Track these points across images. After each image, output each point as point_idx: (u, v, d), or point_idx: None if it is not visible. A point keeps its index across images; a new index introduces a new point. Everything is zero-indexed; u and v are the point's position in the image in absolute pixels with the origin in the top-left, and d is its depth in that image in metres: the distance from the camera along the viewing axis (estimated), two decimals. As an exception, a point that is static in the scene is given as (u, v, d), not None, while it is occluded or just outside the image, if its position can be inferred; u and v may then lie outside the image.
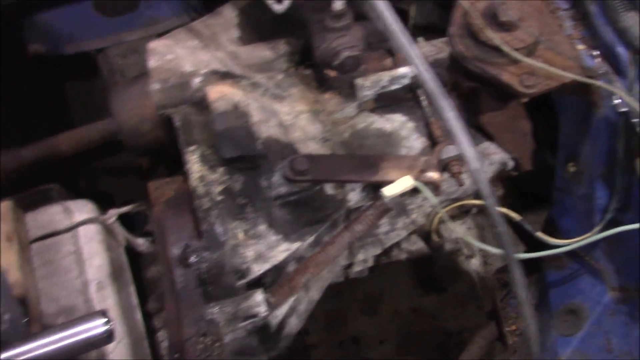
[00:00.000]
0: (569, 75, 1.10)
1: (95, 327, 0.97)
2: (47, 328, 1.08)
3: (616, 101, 1.05)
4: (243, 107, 1.19)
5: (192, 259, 1.09)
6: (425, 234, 1.56)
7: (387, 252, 2.20)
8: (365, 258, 1.46)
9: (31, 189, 1.79)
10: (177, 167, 1.64)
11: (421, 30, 1.73)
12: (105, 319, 0.99)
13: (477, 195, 1.47)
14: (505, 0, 1.17)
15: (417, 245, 2.24)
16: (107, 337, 0.98)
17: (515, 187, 1.80)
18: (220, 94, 1.20)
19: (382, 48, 1.39)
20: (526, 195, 1.77)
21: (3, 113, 1.84)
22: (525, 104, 1.36)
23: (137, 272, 2.07)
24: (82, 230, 1.76)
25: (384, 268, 2.26)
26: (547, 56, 1.16)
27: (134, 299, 1.84)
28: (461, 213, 1.68)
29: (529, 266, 1.55)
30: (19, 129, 1.86)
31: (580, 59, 1.18)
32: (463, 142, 0.79)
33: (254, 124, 1.19)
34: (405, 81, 1.32)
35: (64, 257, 1.73)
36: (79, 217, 1.77)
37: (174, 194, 1.65)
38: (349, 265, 1.50)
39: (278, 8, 1.06)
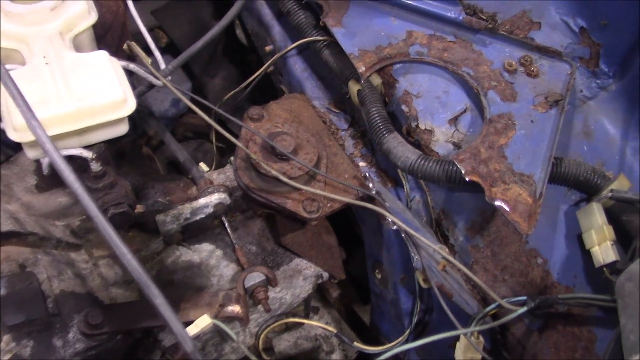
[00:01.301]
0: (343, 200, 1.15)
1: None
2: None
3: (390, 219, 1.11)
4: (30, 265, 1.16)
5: None
6: (258, 355, 1.54)
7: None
8: (195, 390, 1.42)
9: None
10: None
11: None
12: None
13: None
14: (283, 130, 1.23)
15: (279, 347, 2.23)
16: None
17: (352, 283, 1.85)
18: (6, 255, 1.16)
19: (187, 177, 1.42)
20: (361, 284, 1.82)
21: None
22: (330, 218, 1.41)
23: None
24: None
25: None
26: (327, 181, 1.21)
27: None
28: (293, 324, 1.70)
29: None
30: None
31: (360, 179, 1.24)
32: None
33: (44, 281, 1.15)
34: (208, 210, 1.33)
35: None
36: None
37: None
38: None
39: (46, 171, 1.05)
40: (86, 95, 0.91)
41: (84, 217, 1.32)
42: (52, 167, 1.04)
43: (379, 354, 1.20)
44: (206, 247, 1.35)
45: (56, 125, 0.91)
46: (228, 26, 1.27)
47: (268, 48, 1.45)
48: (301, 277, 1.39)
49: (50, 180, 1.25)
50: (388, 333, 1.41)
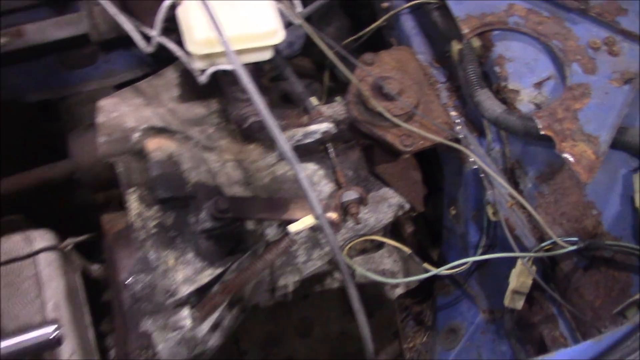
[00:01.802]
0: (435, 139, 1.38)
1: (46, 332, 1.20)
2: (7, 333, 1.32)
3: (471, 160, 1.34)
4: (176, 156, 1.45)
5: (129, 280, 1.33)
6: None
7: (321, 280, 2.47)
8: (285, 284, 1.70)
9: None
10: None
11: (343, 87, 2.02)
12: (56, 326, 1.21)
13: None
14: (390, 75, 1.46)
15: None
16: (57, 341, 1.21)
17: (426, 225, 2.08)
18: (158, 145, 1.45)
19: (300, 107, 1.67)
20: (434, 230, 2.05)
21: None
22: (418, 155, 1.64)
23: (95, 296, 2.30)
24: (42, 256, 1.99)
25: (317, 295, 2.52)
26: (423, 121, 1.44)
27: (87, 319, 2.06)
28: (375, 246, 1.94)
29: (426, 292, 1.83)
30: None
31: (451, 124, 1.46)
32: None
33: (185, 171, 1.44)
34: (317, 136, 1.58)
35: (24, 281, 1.94)
36: (39, 244, 1.99)
37: (124, 226, 1.89)
38: (273, 290, 1.74)
39: (201, 79, 1.32)
40: (249, 23, 1.17)
41: (217, 126, 1.61)
42: (210, 77, 1.31)
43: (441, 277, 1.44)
44: (311, 167, 1.61)
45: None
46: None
47: (385, 5, 1.67)
48: (386, 204, 1.64)
49: (199, 88, 1.52)
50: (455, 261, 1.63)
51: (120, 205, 2.04)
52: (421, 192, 1.66)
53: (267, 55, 1.25)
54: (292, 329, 2.45)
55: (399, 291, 2.44)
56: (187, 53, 1.33)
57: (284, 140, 1.00)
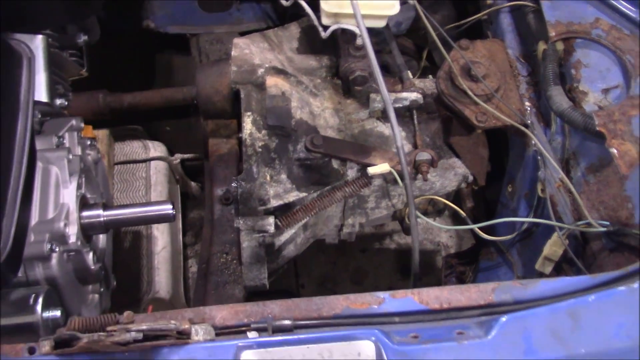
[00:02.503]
0: (506, 120, 1.62)
1: (167, 208, 1.53)
2: (136, 203, 1.66)
3: (533, 143, 1.57)
4: (288, 94, 1.74)
5: (233, 184, 1.63)
6: (401, 218, 2.06)
7: (380, 239, 2.76)
8: (353, 223, 1.98)
9: (123, 125, 2.40)
10: (232, 133, 2.21)
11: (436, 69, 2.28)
12: (172, 205, 1.53)
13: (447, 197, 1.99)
14: (480, 61, 1.70)
15: (407, 239, 2.78)
16: (172, 216, 1.53)
17: (484, 201, 2.30)
18: (275, 83, 1.75)
19: (396, 77, 1.94)
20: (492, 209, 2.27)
21: (112, 66, 2.43)
22: (490, 137, 1.88)
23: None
24: (153, 163, 2.35)
25: (375, 251, 2.81)
26: (499, 105, 1.68)
27: (179, 224, 2.43)
28: (435, 211, 2.19)
29: (472, 256, 2.07)
30: (123, 81, 2.45)
31: (523, 112, 1.70)
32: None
33: (293, 108, 1.73)
34: (406, 102, 1.84)
35: (137, 180, 2.32)
36: (153, 153, 2.37)
37: (226, 152, 2.22)
38: (341, 227, 2.02)
39: (323, 35, 1.61)
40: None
41: (324, 78, 1.90)
42: (331, 34, 1.59)
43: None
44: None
45: (349, 8, 1.45)
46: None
47: (488, 1, 1.91)
48: (453, 172, 1.88)
49: (315, 45, 1.81)
50: (502, 234, 1.87)
51: (226, 134, 2.36)
52: (485, 168, 1.90)
53: (382, 23, 1.52)
54: (347, 274, 2.76)
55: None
56: (315, 12, 1.62)
57: (385, 89, 1.27)
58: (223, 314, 1.00)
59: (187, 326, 0.90)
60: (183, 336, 0.89)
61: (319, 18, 1.64)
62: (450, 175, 1.89)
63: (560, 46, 1.65)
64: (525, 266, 1.78)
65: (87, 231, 1.50)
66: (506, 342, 0.92)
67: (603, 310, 0.93)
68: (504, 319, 0.94)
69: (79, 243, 1.42)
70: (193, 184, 2.53)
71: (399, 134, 1.38)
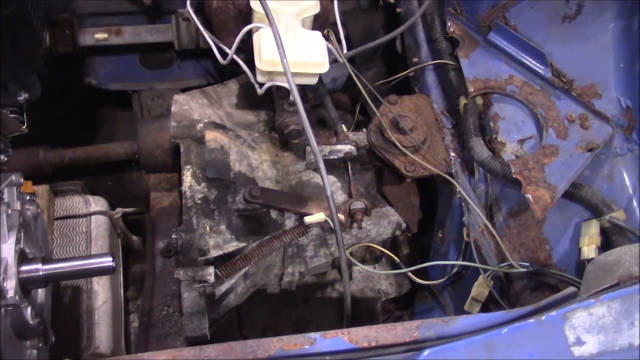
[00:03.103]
0: (433, 169, 1.73)
1: (107, 260, 1.55)
2: (76, 256, 1.68)
3: (458, 191, 1.68)
4: (226, 148, 1.81)
5: (173, 235, 1.68)
6: (339, 266, 2.13)
7: (322, 288, 2.82)
8: (292, 272, 2.03)
9: (64, 180, 2.41)
10: (173, 187, 2.25)
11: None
12: (112, 258, 1.56)
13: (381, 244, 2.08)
14: (407, 115, 1.82)
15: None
16: (112, 268, 1.56)
17: (419, 248, 2.40)
18: (214, 137, 1.82)
19: (331, 130, 2.04)
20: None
21: (53, 122, 2.46)
22: (421, 186, 1.99)
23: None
24: (94, 218, 2.37)
25: (317, 300, 2.86)
26: (425, 155, 1.79)
27: (120, 278, 2.43)
28: (373, 258, 2.27)
29: (407, 301, 2.15)
30: (64, 136, 2.47)
31: (448, 162, 1.81)
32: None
33: (231, 161, 1.80)
34: (340, 154, 1.93)
35: (77, 235, 2.32)
36: (94, 208, 2.38)
37: (168, 205, 2.26)
38: (281, 277, 2.07)
39: (259, 91, 1.70)
40: (305, 54, 1.54)
41: (261, 132, 1.98)
42: (267, 90, 1.68)
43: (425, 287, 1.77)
44: (331, 178, 1.96)
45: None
46: (392, 37, 1.88)
47: (415, 59, 2.05)
48: (387, 220, 1.97)
49: (252, 100, 1.90)
50: (435, 278, 1.96)
51: (166, 188, 2.40)
52: (417, 216, 2.00)
53: (313, 80, 1.62)
54: (290, 324, 2.78)
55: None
56: (252, 70, 1.72)
57: (314, 142, 1.35)
58: (162, 359, 1.04)
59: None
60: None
61: (255, 75, 1.74)
62: (385, 223, 1.98)
63: (479, 100, 1.78)
64: (457, 308, 1.87)
65: (26, 285, 1.51)
66: (428, 375, 0.99)
67: (515, 341, 1.02)
68: (425, 352, 1.01)
69: (17, 297, 1.42)
70: (135, 237, 2.54)
71: (328, 183, 1.47)
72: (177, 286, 2.12)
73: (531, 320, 1.04)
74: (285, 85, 1.62)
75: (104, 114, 2.79)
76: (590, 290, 1.11)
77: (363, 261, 2.21)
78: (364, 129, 2.16)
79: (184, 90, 2.52)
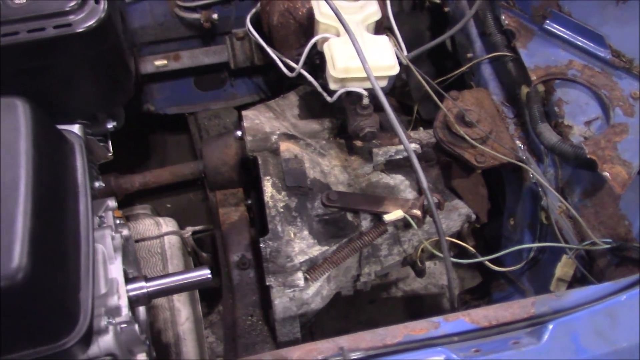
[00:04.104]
0: (504, 158, 1.78)
1: (205, 273, 1.61)
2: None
3: (531, 176, 1.74)
4: (300, 157, 1.88)
5: (261, 245, 1.74)
6: (412, 262, 2.18)
7: (387, 289, 2.87)
8: (369, 272, 2.09)
9: (135, 205, 2.49)
10: (240, 201, 2.33)
11: (423, 122, 2.47)
12: (210, 270, 1.63)
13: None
14: (471, 108, 1.88)
15: (411, 286, 2.91)
16: (210, 281, 1.62)
17: (482, 239, 2.44)
18: (287, 147, 1.89)
19: (392, 132, 2.10)
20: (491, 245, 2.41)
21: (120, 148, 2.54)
22: (485, 178, 2.04)
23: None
24: (167, 238, 2.44)
25: (383, 301, 2.91)
26: (494, 145, 1.85)
27: (197, 294, 2.50)
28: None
29: (483, 291, 2.19)
30: (131, 161, 2.56)
31: (516, 150, 1.86)
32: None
33: (306, 169, 1.87)
34: (405, 153, 1.99)
35: (153, 256, 2.40)
36: (166, 229, 2.46)
37: (237, 219, 2.33)
38: (358, 277, 2.13)
39: (329, 99, 1.77)
40: (376, 58, 1.61)
41: (327, 139, 2.04)
42: (338, 98, 1.75)
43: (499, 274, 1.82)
44: (399, 177, 2.01)
45: (355, 73, 1.61)
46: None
47: (469, 55, 2.10)
48: (457, 213, 2.03)
49: (314, 110, 1.97)
50: (509, 265, 2.00)
51: (233, 203, 2.47)
52: (486, 206, 2.05)
53: (384, 83, 1.68)
54: (360, 326, 2.83)
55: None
56: (319, 81, 1.79)
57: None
58: (298, 353, 1.10)
59: (277, 365, 0.99)
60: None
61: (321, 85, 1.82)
62: (455, 216, 2.03)
63: (541, 88, 1.83)
64: (538, 292, 1.91)
65: (133, 304, 1.58)
66: (558, 345, 1.04)
67: (635, 306, 1.07)
68: (550, 325, 1.06)
69: (130, 315, 1.50)
70: (204, 254, 2.62)
71: (422, 174, 1.53)
72: (257, 296, 2.19)
73: (648, 286, 1.09)
74: (358, 90, 1.69)
75: (155, 139, 2.88)
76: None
77: (432, 256, 2.26)
78: (421, 128, 2.22)
79: (238, 108, 2.61)
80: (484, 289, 2.14)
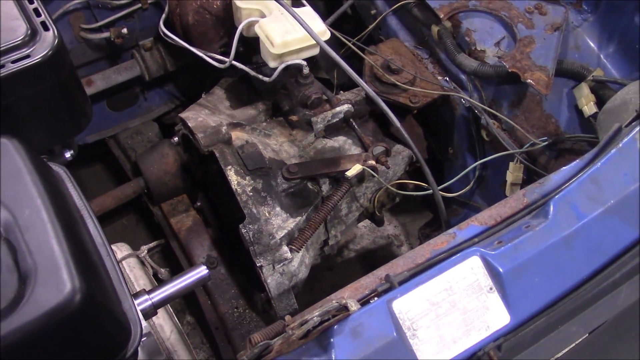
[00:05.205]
0: (437, 93, 1.95)
1: (202, 270, 1.65)
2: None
3: (463, 102, 1.91)
4: (251, 141, 1.95)
5: (243, 230, 1.80)
6: (371, 214, 2.30)
7: (340, 254, 2.99)
8: (335, 233, 2.20)
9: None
10: (188, 207, 2.35)
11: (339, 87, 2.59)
12: (206, 266, 1.66)
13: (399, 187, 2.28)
14: (392, 56, 2.03)
15: (361, 244, 3.04)
16: (209, 275, 1.66)
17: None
18: (237, 136, 1.95)
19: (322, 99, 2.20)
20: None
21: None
22: (416, 118, 2.20)
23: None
24: (125, 263, 2.42)
25: (340, 265, 3.03)
26: (422, 85, 2.01)
27: (169, 307, 2.50)
28: (390, 200, 2.46)
29: (440, 221, 2.36)
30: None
31: (441, 84, 2.04)
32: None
33: (260, 150, 1.94)
34: (341, 115, 2.11)
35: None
36: (120, 255, 2.43)
37: (192, 224, 2.35)
38: (325, 242, 2.22)
39: (267, 80, 1.85)
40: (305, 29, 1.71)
41: (266, 121, 2.12)
42: (278, 76, 1.83)
43: (453, 201, 1.99)
44: (341, 138, 2.12)
45: (293, 45, 1.70)
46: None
47: (373, 12, 2.25)
48: (400, 156, 2.18)
49: (241, 98, 2.04)
50: (456, 190, 2.18)
51: (182, 210, 2.47)
52: (424, 143, 2.21)
53: (315, 51, 1.78)
54: (326, 294, 2.93)
55: (404, 249, 2.99)
56: (252, 68, 1.87)
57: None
58: (348, 293, 1.19)
59: (344, 301, 1.07)
60: (343, 310, 1.07)
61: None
62: (399, 160, 2.18)
63: (448, 24, 2.01)
64: (490, 204, 2.10)
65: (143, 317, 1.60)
66: (563, 217, 1.20)
67: (610, 169, 1.25)
68: (551, 206, 1.23)
69: (148, 326, 1.51)
70: (162, 270, 2.61)
71: (396, 120, 1.65)
72: (235, 289, 2.24)
73: (612, 151, 1.27)
74: (297, 61, 1.78)
75: (80, 173, 2.81)
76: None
77: (383, 205, 2.41)
78: (341, 91, 2.34)
79: (156, 119, 2.61)
80: (440, 219, 2.31)
